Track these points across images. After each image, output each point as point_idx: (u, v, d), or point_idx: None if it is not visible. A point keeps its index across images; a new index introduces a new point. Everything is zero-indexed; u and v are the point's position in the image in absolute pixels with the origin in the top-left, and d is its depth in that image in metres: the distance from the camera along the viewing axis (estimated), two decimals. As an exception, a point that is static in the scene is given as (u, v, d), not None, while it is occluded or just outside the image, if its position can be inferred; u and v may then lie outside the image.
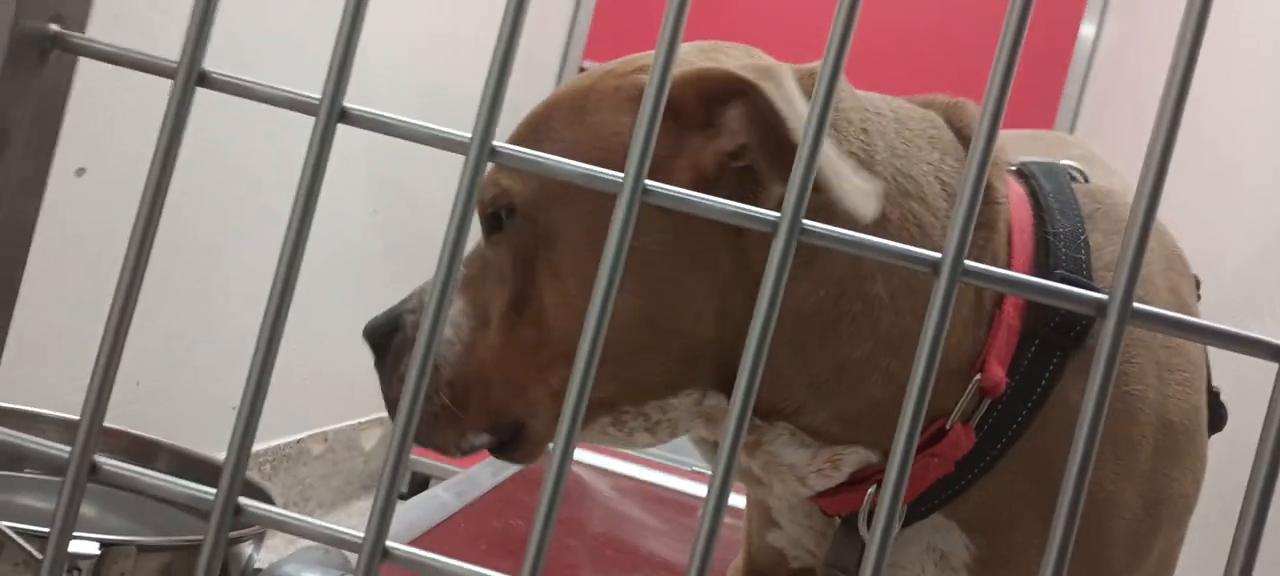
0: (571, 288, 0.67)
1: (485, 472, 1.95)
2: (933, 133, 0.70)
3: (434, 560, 0.33)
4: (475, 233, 0.58)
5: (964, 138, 0.72)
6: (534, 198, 0.68)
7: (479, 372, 0.70)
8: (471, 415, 0.70)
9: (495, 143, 0.33)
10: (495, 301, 0.70)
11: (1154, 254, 0.75)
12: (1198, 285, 0.81)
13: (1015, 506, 0.70)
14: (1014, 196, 0.72)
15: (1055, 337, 0.68)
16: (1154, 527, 0.70)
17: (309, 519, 0.34)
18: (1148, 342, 0.70)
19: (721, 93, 0.63)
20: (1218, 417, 0.78)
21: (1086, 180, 0.78)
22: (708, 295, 0.65)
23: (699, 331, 0.66)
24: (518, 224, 0.68)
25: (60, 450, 0.34)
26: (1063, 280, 0.68)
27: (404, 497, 2.13)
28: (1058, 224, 0.70)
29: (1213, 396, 0.78)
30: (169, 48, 0.33)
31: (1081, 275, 0.69)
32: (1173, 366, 0.71)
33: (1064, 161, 0.81)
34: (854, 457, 0.69)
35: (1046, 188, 0.74)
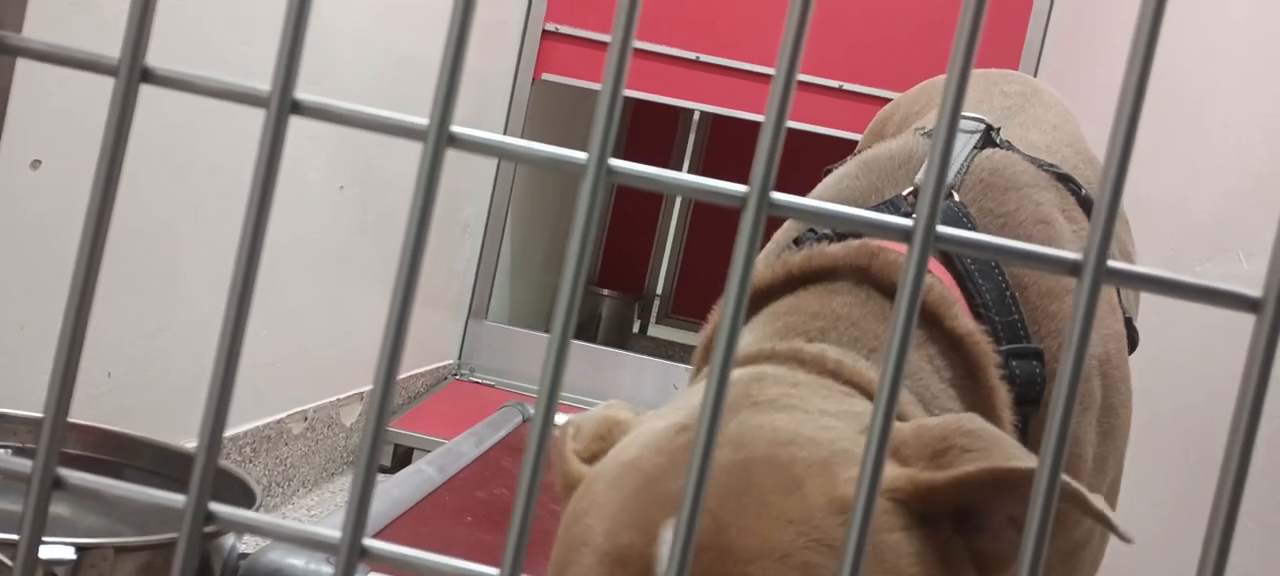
0: None
1: (468, 443, 1.95)
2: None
3: (413, 557, 0.32)
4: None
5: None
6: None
7: None
8: None
9: (453, 127, 0.32)
10: None
11: (1054, 208, 0.83)
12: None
13: None
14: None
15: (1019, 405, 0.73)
16: (1108, 451, 0.81)
17: (282, 522, 0.33)
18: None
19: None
20: (1133, 342, 0.88)
21: (991, 134, 0.83)
22: None
23: None
24: None
25: (21, 466, 0.33)
26: (1016, 354, 0.74)
27: (388, 471, 2.13)
28: (992, 311, 0.75)
29: (1127, 323, 0.87)
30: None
31: (1020, 339, 0.74)
32: (1099, 311, 0.79)
33: (999, 92, 0.90)
34: None
35: (981, 285, 0.76)
